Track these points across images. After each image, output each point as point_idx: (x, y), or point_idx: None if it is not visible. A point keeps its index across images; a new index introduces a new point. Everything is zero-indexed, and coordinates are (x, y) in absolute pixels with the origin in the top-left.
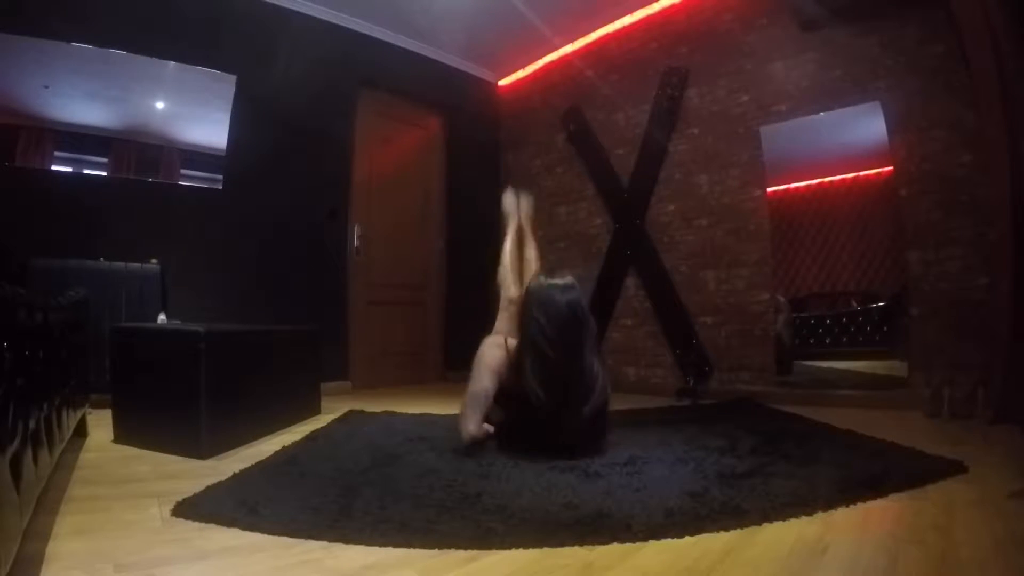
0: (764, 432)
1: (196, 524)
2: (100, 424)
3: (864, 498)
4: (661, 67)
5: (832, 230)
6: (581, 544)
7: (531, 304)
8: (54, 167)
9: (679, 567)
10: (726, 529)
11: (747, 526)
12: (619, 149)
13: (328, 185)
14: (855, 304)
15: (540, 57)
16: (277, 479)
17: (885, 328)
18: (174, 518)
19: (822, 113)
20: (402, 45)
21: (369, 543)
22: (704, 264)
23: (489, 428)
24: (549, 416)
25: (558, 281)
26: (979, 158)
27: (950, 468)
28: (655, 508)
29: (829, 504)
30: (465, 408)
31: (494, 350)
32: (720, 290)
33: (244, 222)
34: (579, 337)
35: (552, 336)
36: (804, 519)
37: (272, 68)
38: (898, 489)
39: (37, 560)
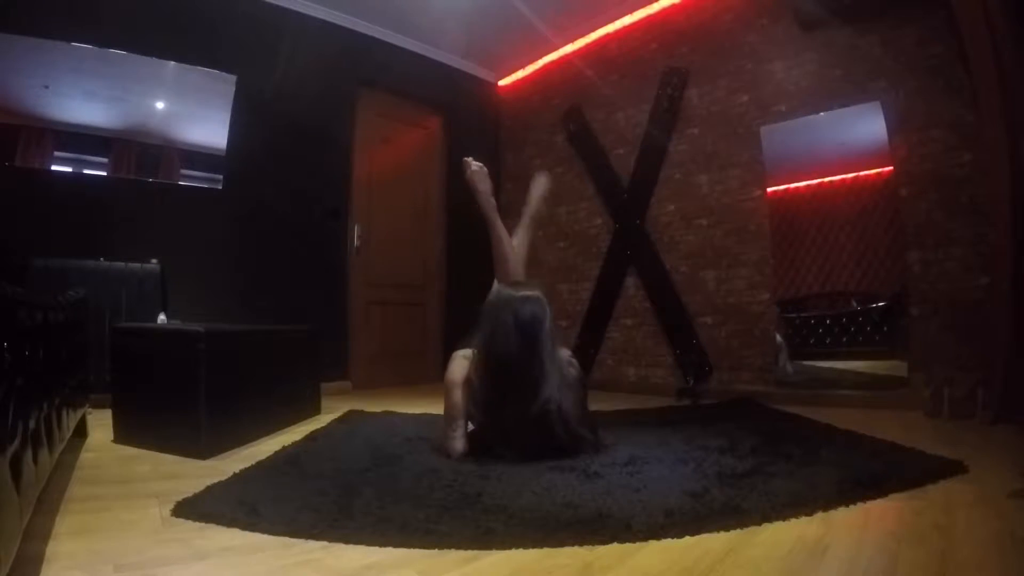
0: (764, 432)
1: (196, 524)
2: (100, 424)
3: (864, 498)
4: (661, 67)
5: (832, 230)
6: (581, 544)
7: (483, 318)
8: (54, 167)
9: (679, 567)
10: (726, 529)
11: (747, 526)
12: (619, 149)
13: (328, 185)
14: (855, 304)
15: (540, 57)
16: (277, 479)
17: (885, 328)
18: (174, 518)
19: (822, 113)
20: (402, 45)
21: (369, 543)
22: (704, 264)
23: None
24: (494, 429)
25: (515, 293)
26: (979, 158)
27: (950, 468)
28: (655, 508)
29: (829, 504)
30: (445, 428)
31: (460, 362)
32: (720, 290)
33: (244, 222)
34: (529, 354)
35: (497, 355)
36: (804, 519)
37: (272, 68)
38: (898, 489)
39: (37, 560)
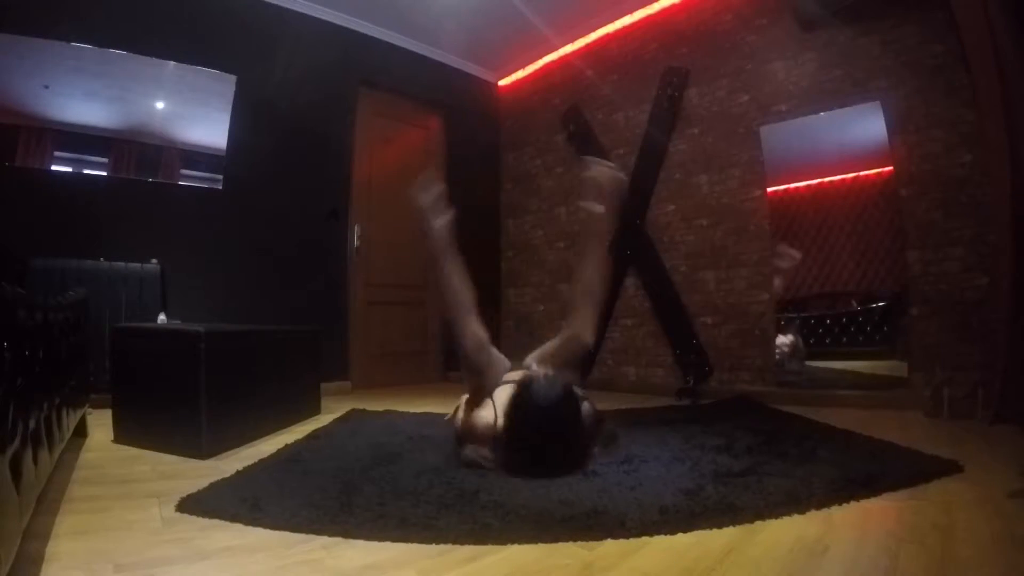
0: (762, 432)
1: (197, 524)
2: (100, 424)
3: (859, 497)
4: (661, 67)
5: (832, 230)
6: (575, 540)
7: (515, 405)
8: (54, 167)
9: (679, 567)
10: (719, 526)
11: (740, 523)
12: (619, 149)
13: (328, 185)
14: (855, 304)
15: (540, 57)
16: (280, 476)
17: (885, 328)
18: (176, 515)
19: (822, 113)
20: (402, 45)
21: (369, 538)
22: (704, 264)
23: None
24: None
25: (543, 392)
26: (979, 158)
27: (949, 468)
28: (649, 505)
29: (822, 502)
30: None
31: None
32: (720, 290)
33: (244, 222)
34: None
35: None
36: (805, 520)
37: (272, 68)
38: (894, 488)
39: (37, 560)
